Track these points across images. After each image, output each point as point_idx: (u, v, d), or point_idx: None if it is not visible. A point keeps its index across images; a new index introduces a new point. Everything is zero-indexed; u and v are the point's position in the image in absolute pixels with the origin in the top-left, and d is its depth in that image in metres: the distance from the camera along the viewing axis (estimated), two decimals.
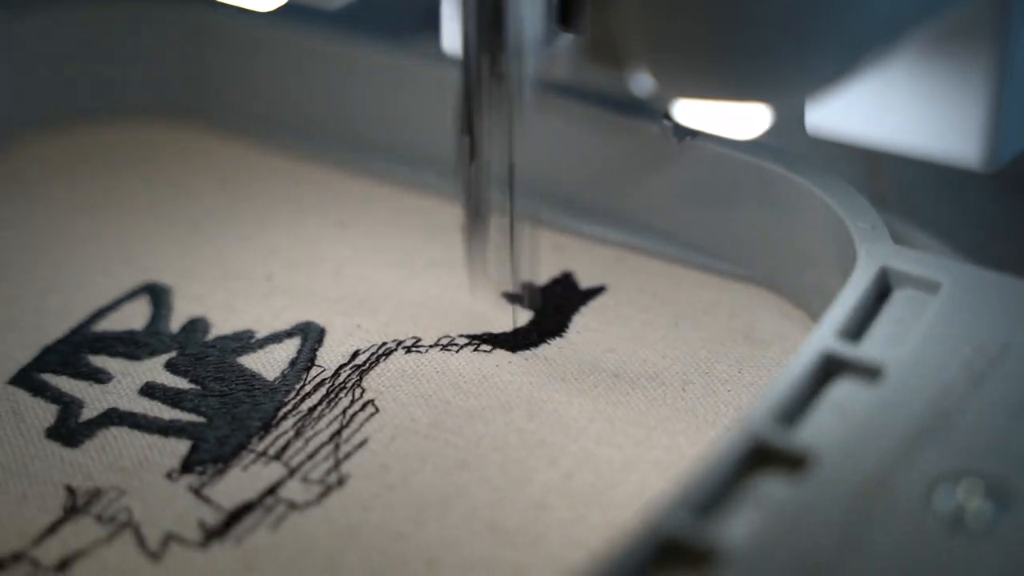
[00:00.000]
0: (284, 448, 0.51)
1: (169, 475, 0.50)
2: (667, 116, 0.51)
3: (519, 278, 0.53)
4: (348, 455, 0.51)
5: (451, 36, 0.52)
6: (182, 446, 0.51)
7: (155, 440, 0.51)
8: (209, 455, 0.51)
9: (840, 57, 0.43)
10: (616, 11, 0.42)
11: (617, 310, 0.56)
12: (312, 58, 0.62)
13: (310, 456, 0.51)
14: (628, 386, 0.53)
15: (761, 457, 0.44)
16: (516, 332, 0.55)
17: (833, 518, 0.42)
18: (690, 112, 0.45)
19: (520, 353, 0.54)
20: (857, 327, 0.48)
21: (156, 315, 0.56)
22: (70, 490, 0.50)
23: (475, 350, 0.54)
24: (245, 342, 0.55)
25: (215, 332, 0.56)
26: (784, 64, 0.42)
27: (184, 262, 0.59)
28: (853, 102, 0.50)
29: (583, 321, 0.56)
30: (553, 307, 0.56)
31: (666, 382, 0.53)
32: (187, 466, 0.50)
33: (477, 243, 0.53)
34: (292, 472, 0.50)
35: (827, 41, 0.42)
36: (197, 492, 0.50)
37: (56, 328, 0.56)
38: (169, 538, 0.48)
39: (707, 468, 0.44)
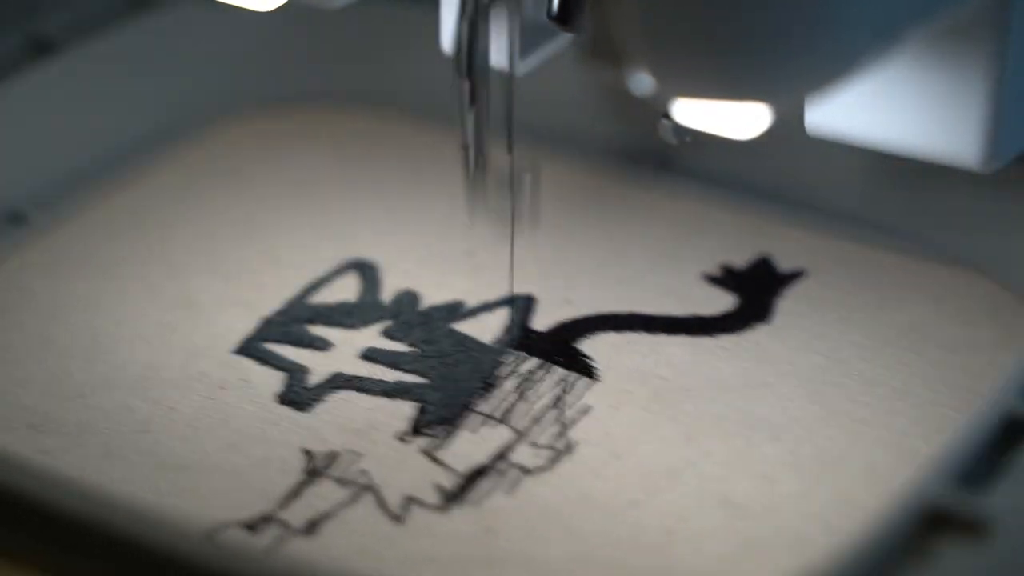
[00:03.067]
0: (508, 411, 0.50)
1: (401, 438, 0.49)
2: (667, 116, 0.49)
3: (518, 213, 0.52)
4: (573, 421, 0.50)
5: (451, 36, 0.51)
6: (407, 407, 0.50)
7: (381, 402, 0.50)
8: (436, 417, 0.50)
9: (839, 57, 0.41)
10: (616, 10, 0.41)
11: (821, 294, 0.55)
12: None
13: (536, 420, 0.50)
14: (842, 367, 0.52)
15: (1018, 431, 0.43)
16: (725, 317, 0.54)
17: None
18: (690, 112, 0.44)
19: (729, 336, 0.53)
20: None
21: (368, 288, 0.55)
22: (308, 453, 0.49)
23: (683, 331, 0.53)
24: (457, 311, 0.54)
25: (426, 303, 0.55)
26: (784, 63, 0.41)
27: (387, 240, 0.58)
28: (853, 102, 0.49)
29: (787, 306, 0.54)
30: (755, 292, 0.55)
31: (879, 364, 0.52)
32: (417, 428, 0.49)
33: (478, 186, 0.51)
34: (520, 436, 0.49)
35: (826, 41, 0.41)
36: (430, 455, 0.49)
37: (273, 302, 0.55)
38: (410, 501, 0.47)
39: (965, 441, 0.42)
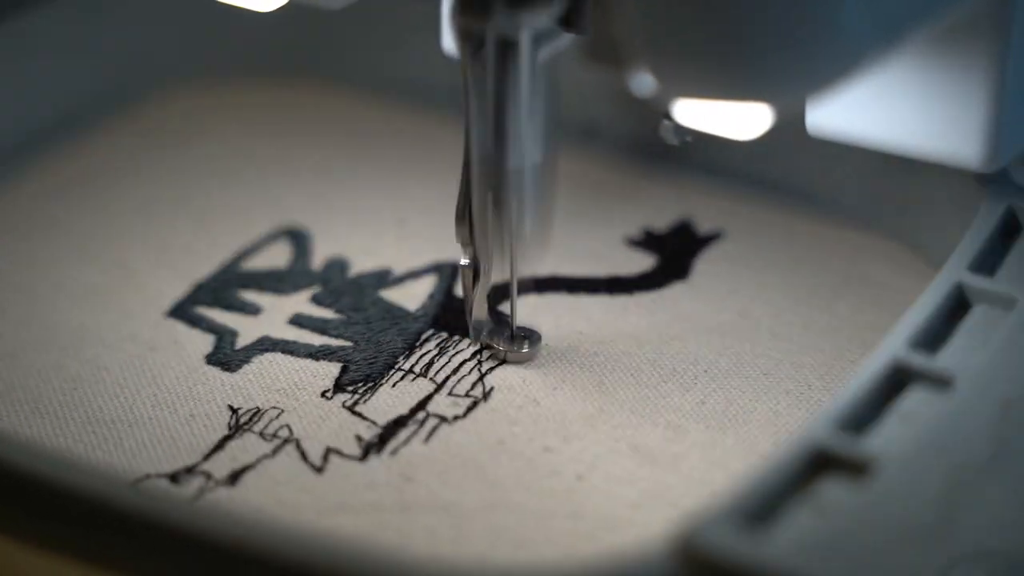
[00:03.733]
0: (429, 365, 0.51)
1: (324, 394, 0.50)
2: (667, 116, 0.50)
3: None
4: (491, 370, 0.51)
5: (450, 37, 0.51)
6: (333, 368, 0.52)
7: (307, 364, 0.52)
8: (360, 374, 0.51)
9: (841, 58, 0.42)
10: (617, 11, 0.41)
11: (737, 255, 0.56)
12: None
13: (454, 371, 0.51)
14: (753, 323, 0.53)
15: (901, 380, 0.44)
16: (643, 276, 0.55)
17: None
18: (690, 112, 0.44)
19: (646, 294, 0.55)
20: None
21: (298, 254, 0.57)
22: (233, 410, 0.50)
23: (603, 291, 0.55)
24: (384, 278, 0.55)
25: (355, 270, 0.56)
26: (785, 64, 0.41)
27: (319, 208, 0.59)
28: (853, 102, 0.49)
29: (704, 266, 0.56)
30: (675, 252, 0.56)
31: (789, 320, 0.53)
32: (340, 385, 0.51)
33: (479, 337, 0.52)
34: (439, 387, 0.51)
35: (828, 41, 0.41)
36: (351, 409, 0.50)
37: (205, 267, 0.56)
38: (329, 452, 0.48)
39: (854, 388, 0.44)
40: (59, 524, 0.43)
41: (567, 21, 0.46)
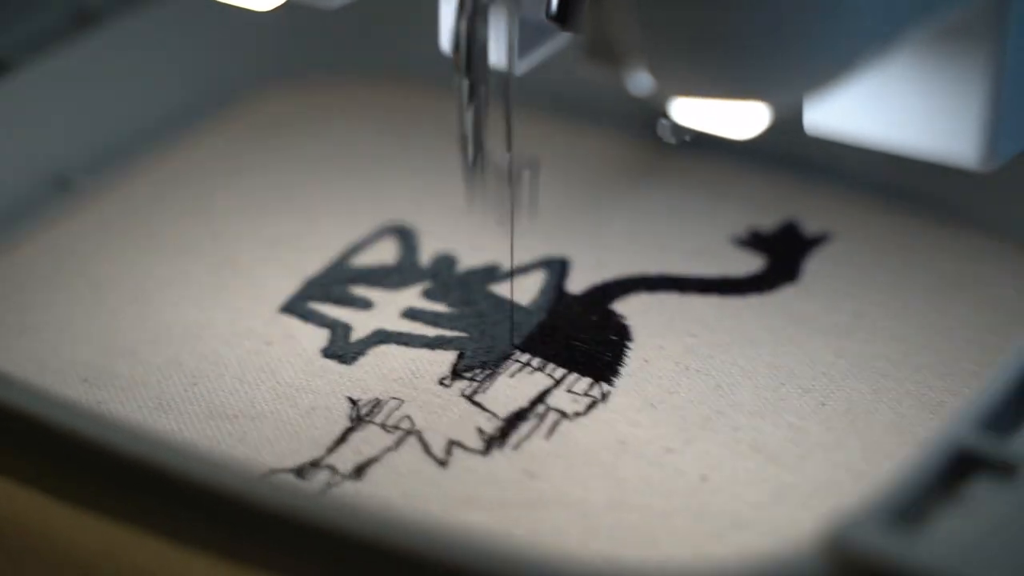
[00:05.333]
0: (545, 361, 0.50)
1: (442, 381, 0.50)
2: (665, 116, 0.49)
3: (517, 210, 0.51)
4: (606, 371, 0.50)
5: (449, 35, 0.50)
6: (449, 356, 0.51)
7: (423, 353, 0.51)
8: (476, 361, 0.50)
9: (839, 56, 0.41)
10: (614, 9, 0.41)
11: (846, 257, 0.55)
12: None
13: (570, 370, 0.50)
14: (868, 325, 0.52)
15: None
16: (754, 277, 0.54)
17: None
18: (688, 112, 0.44)
19: (757, 296, 0.54)
20: None
21: (406, 251, 0.56)
22: (353, 402, 0.49)
23: (714, 292, 0.54)
24: (493, 273, 0.55)
25: (463, 266, 0.55)
26: (783, 62, 0.40)
27: (423, 205, 0.58)
28: (852, 101, 0.48)
29: (814, 267, 0.55)
30: (783, 253, 0.55)
31: (904, 321, 0.52)
32: (457, 372, 0.50)
33: (477, 180, 0.50)
34: (557, 383, 0.50)
35: (825, 40, 0.40)
36: (470, 398, 0.49)
37: (315, 263, 0.55)
38: (452, 444, 0.48)
39: (991, 389, 0.43)
40: (192, 518, 0.43)
41: (563, 20, 0.45)
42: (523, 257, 0.55)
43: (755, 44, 0.40)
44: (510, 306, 0.52)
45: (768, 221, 0.57)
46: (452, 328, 0.52)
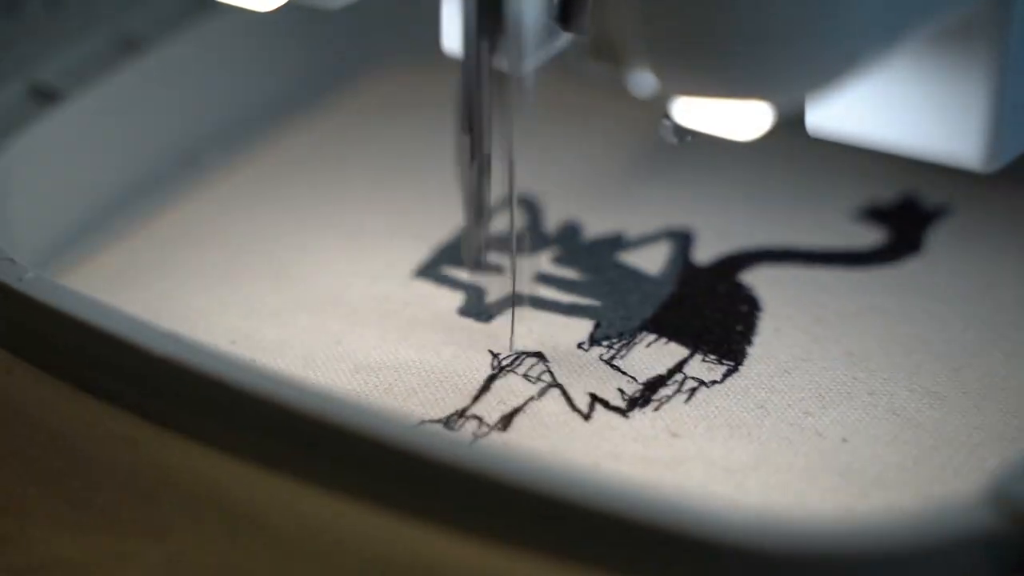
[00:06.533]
0: (679, 330, 0.51)
1: (579, 346, 0.50)
2: (667, 116, 0.49)
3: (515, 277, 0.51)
4: (739, 340, 0.50)
5: (451, 36, 0.50)
6: (586, 324, 0.51)
7: (558, 318, 0.51)
8: (613, 330, 0.51)
9: (841, 55, 0.41)
10: (616, 9, 0.40)
11: (969, 229, 0.55)
12: None
13: (704, 339, 0.50)
14: (997, 295, 0.52)
15: None
16: (877, 250, 0.55)
17: None
18: (689, 112, 0.44)
19: (882, 268, 0.54)
20: None
21: (532, 219, 0.56)
22: (494, 354, 0.50)
23: (839, 264, 0.54)
24: (619, 242, 0.55)
25: (588, 234, 0.55)
26: (784, 61, 0.40)
27: (546, 175, 0.58)
28: (853, 102, 0.48)
29: (937, 239, 0.55)
30: (904, 226, 0.56)
31: None
32: (594, 339, 0.50)
33: (475, 242, 0.50)
34: (692, 352, 0.50)
35: (827, 39, 0.40)
36: (609, 363, 0.49)
37: (443, 230, 0.56)
38: (595, 400, 0.48)
39: None
40: (351, 467, 0.43)
41: (566, 20, 0.45)
42: (645, 226, 0.56)
43: (757, 42, 0.39)
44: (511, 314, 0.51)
45: (886, 194, 0.57)
46: (585, 295, 0.52)
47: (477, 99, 0.47)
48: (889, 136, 0.47)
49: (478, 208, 0.49)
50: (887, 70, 0.46)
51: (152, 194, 0.58)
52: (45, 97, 0.55)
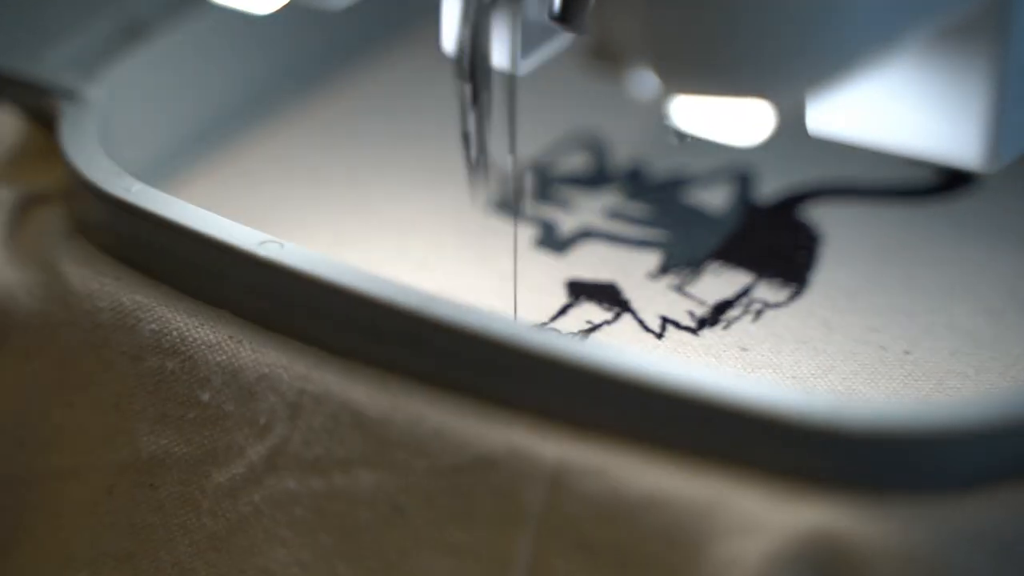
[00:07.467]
0: (744, 260, 0.53)
1: (650, 275, 0.52)
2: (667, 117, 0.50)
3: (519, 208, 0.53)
4: (802, 267, 0.52)
5: (451, 36, 0.50)
6: (654, 256, 0.53)
7: (628, 251, 0.53)
8: (683, 259, 0.52)
9: (841, 54, 0.41)
10: (617, 8, 0.40)
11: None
12: None
13: (769, 265, 0.52)
14: None
15: None
16: (933, 186, 0.56)
17: None
18: (688, 114, 0.43)
19: (939, 204, 0.56)
20: None
21: (598, 158, 0.58)
22: (569, 284, 0.51)
23: (896, 198, 0.56)
24: (686, 180, 0.57)
25: (653, 172, 0.57)
26: (785, 60, 0.40)
27: (608, 115, 0.60)
28: (853, 102, 0.48)
29: (991, 177, 0.57)
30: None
31: None
32: (664, 268, 0.52)
33: (480, 181, 0.50)
34: (758, 278, 0.52)
35: (828, 37, 0.40)
36: (679, 289, 0.51)
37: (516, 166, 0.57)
38: (666, 322, 0.50)
39: None
40: (447, 361, 0.44)
41: (567, 20, 0.46)
42: (704, 165, 0.57)
43: (758, 41, 0.40)
44: (514, 290, 0.52)
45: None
46: (653, 228, 0.54)
47: (477, 46, 0.48)
48: (889, 136, 0.48)
49: (479, 152, 0.49)
50: (887, 70, 0.46)
51: (236, 130, 0.59)
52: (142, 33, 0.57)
